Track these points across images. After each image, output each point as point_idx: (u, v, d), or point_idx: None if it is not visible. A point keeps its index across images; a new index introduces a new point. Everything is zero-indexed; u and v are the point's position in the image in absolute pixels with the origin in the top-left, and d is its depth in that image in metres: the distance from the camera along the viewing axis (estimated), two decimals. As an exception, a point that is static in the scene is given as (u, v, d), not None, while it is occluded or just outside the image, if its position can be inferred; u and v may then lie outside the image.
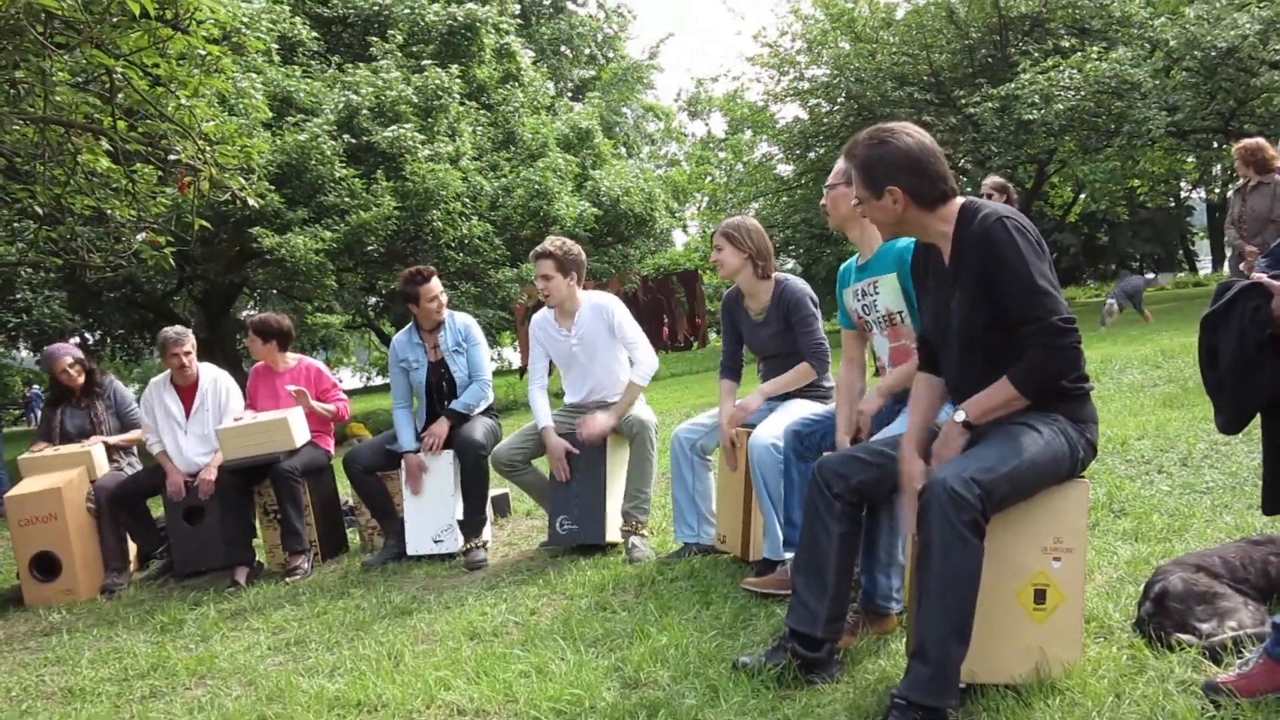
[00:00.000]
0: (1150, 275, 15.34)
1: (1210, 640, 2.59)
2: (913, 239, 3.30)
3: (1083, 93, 16.49)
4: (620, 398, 4.87)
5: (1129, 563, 3.39)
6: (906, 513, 2.72)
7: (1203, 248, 41.18)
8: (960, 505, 2.39)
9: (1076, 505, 2.63)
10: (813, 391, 4.20)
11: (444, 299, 5.37)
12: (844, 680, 2.81)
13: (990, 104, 17.18)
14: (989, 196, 6.25)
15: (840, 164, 3.49)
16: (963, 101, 18.26)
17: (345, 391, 6.32)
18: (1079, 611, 2.63)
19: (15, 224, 10.06)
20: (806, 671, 2.78)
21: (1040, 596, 2.61)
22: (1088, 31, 19.09)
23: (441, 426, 5.23)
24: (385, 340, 22.67)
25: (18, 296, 12.75)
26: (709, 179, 32.32)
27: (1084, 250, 36.75)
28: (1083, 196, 24.92)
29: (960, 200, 2.69)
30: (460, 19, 14.68)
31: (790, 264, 29.41)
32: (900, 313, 3.39)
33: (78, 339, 16.24)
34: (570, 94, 27.72)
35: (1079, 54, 17.26)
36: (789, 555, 3.64)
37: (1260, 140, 7.43)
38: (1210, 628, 2.63)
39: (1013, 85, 17.12)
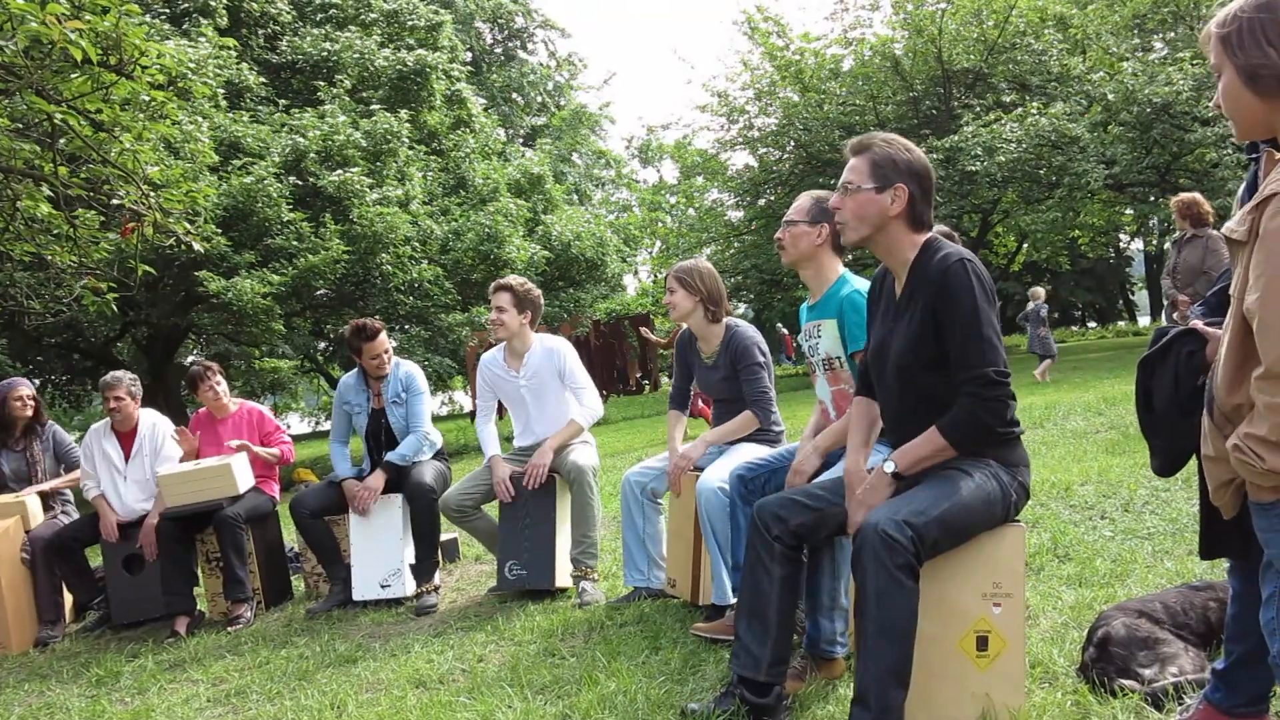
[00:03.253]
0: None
1: (1152, 686, 2.62)
2: (855, 289, 3.35)
3: (1024, 145, 16.94)
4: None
5: (1073, 607, 3.42)
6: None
7: (1142, 298, 42.18)
8: (893, 548, 2.40)
9: (1013, 549, 2.66)
10: (760, 435, 4.22)
11: (388, 356, 5.34)
12: (792, 727, 2.80)
13: (935, 155, 17.57)
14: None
15: (802, 201, 3.53)
16: (908, 152, 18.63)
17: (293, 436, 6.24)
18: (1022, 656, 2.66)
19: (-47, 271, 9.85)
20: (755, 717, 2.76)
21: (983, 643, 2.63)
22: (1028, 87, 19.64)
23: (377, 480, 5.17)
24: (334, 384, 22.40)
25: (-45, 343, 12.47)
26: (660, 224, 32.58)
27: (1028, 299, 37.51)
28: (1025, 246, 25.47)
29: (927, 235, 2.73)
30: (410, 64, 14.77)
31: (742, 309, 29.64)
32: (839, 358, 3.43)
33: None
34: (521, 140, 27.89)
35: (1019, 109, 17.74)
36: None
37: (1196, 195, 7.70)
38: (1152, 673, 2.66)
39: (956, 137, 17.54)
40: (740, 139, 22.53)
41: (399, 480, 5.18)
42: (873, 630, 2.42)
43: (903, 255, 2.73)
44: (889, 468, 2.63)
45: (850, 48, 21.06)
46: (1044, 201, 19.09)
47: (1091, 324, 40.56)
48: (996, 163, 16.80)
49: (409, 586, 5.09)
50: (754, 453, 3.92)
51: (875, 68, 20.41)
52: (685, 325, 4.44)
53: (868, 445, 2.91)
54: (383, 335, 5.28)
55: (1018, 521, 2.71)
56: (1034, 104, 17.60)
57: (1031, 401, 9.25)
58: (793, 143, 21.42)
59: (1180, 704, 2.52)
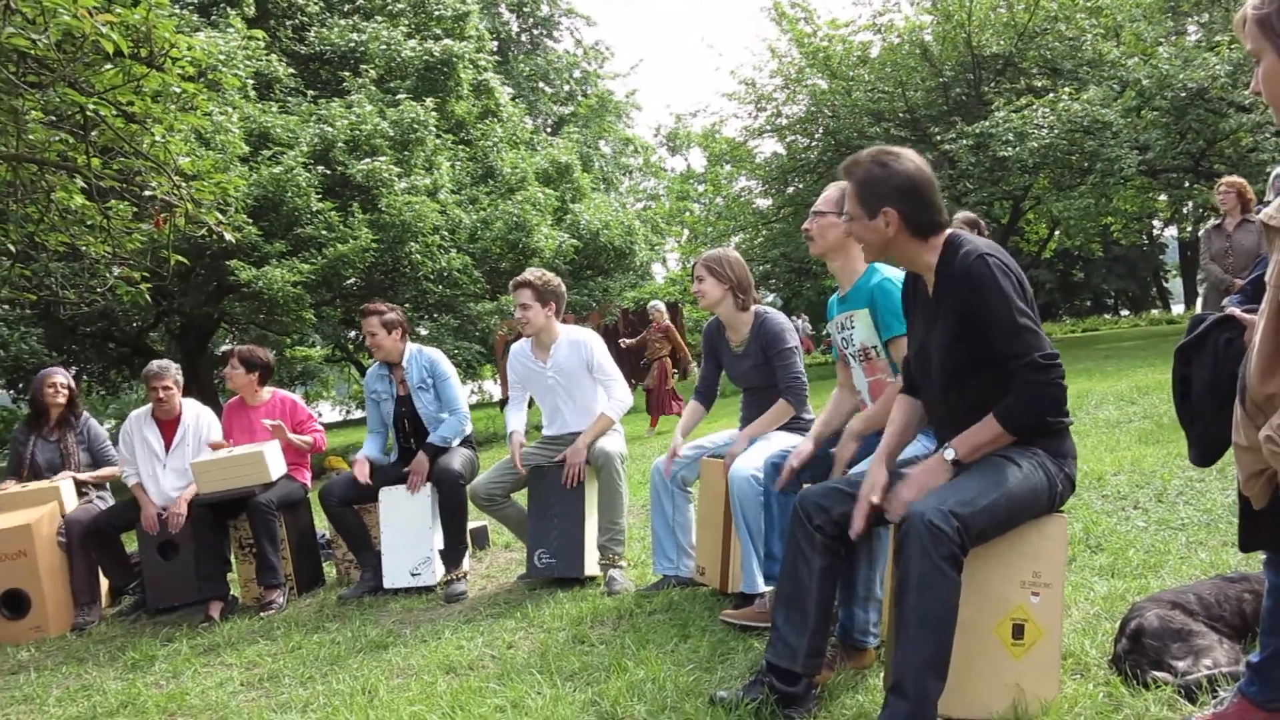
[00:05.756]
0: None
1: (1185, 679, 2.59)
2: (885, 276, 3.34)
3: (1056, 131, 16.71)
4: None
5: (1105, 599, 3.40)
6: (855, 517, 2.71)
7: (1175, 285, 41.66)
8: (939, 539, 2.39)
9: (1055, 540, 2.64)
10: (793, 424, 4.21)
11: (381, 339, 5.33)
12: (821, 716, 2.80)
13: (965, 141, 17.38)
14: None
15: (830, 191, 3.52)
16: (938, 138, 18.47)
17: (324, 424, 6.30)
18: (1056, 647, 2.64)
19: (-11, 262, 9.98)
20: (784, 707, 2.76)
21: (1018, 632, 2.61)
22: (1059, 72, 19.39)
23: (422, 463, 5.20)
24: (364, 373, 22.59)
25: (-8, 333, 12.64)
26: (688, 213, 32.48)
27: (1059, 286, 37.16)
28: (1057, 233, 25.20)
29: (947, 232, 2.71)
30: (437, 54, 14.78)
31: (770, 297, 29.53)
32: (875, 347, 3.41)
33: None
34: (549, 129, 27.88)
35: (1051, 94, 17.52)
36: (767, 588, 3.63)
37: (1242, 179, 7.61)
38: (1185, 666, 2.64)
39: (987, 123, 17.34)
40: (768, 126, 22.36)
41: (439, 454, 5.22)
42: (913, 620, 2.41)
43: (923, 261, 2.73)
44: (949, 455, 2.61)
45: (879, 34, 20.86)
46: (1076, 188, 18.85)
47: (1124, 312, 40.08)
48: (1028, 149, 16.59)
49: (439, 574, 5.12)
50: (788, 441, 3.92)
51: (904, 54, 20.17)
52: (714, 314, 4.43)
53: (902, 440, 2.90)
54: (374, 318, 5.31)
55: (1061, 512, 2.69)
56: (1066, 89, 17.37)
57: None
58: (821, 130, 21.25)
59: (1214, 697, 2.50)
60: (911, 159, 2.71)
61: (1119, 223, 24.01)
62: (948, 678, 2.44)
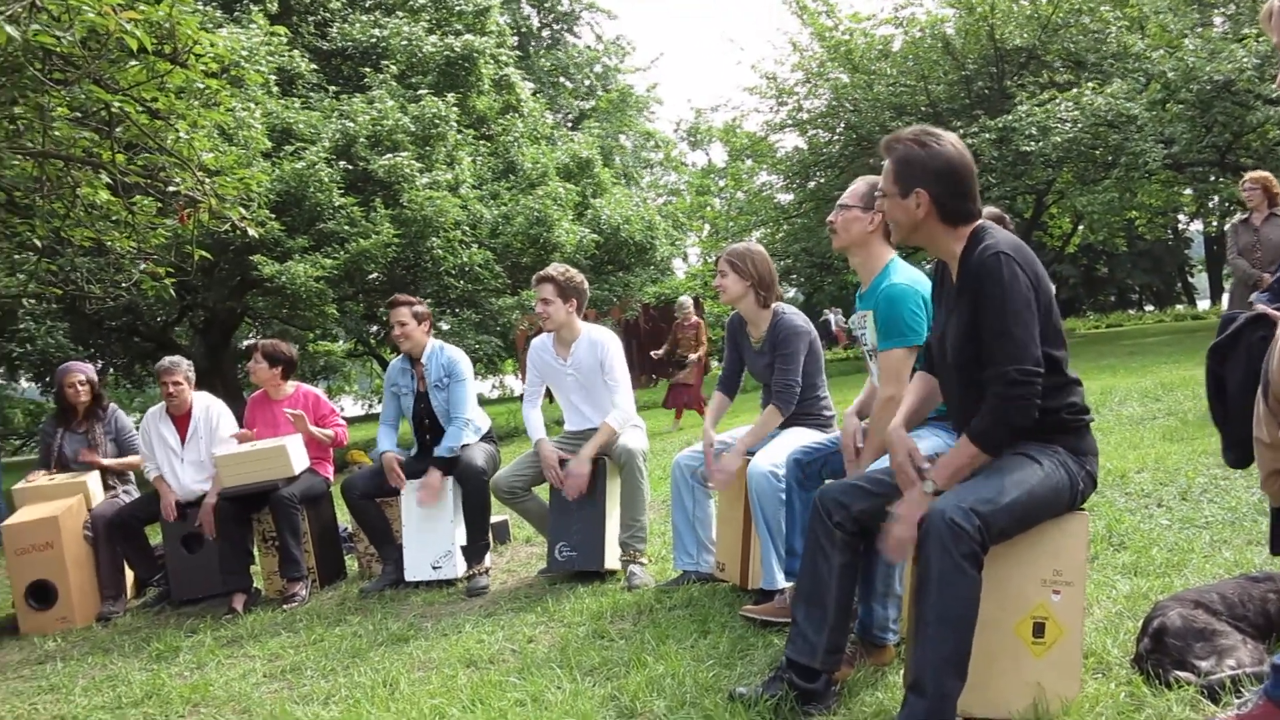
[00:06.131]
0: None
1: (1209, 679, 2.57)
2: (894, 282, 3.32)
3: (1079, 125, 16.58)
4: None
5: (1128, 597, 3.38)
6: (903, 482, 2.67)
7: (1201, 280, 41.26)
8: (959, 536, 2.38)
9: (1076, 538, 2.63)
10: (811, 420, 4.20)
11: (410, 330, 5.36)
12: (840, 712, 2.80)
13: (988, 135, 17.27)
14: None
15: (856, 185, 3.49)
16: (961, 132, 18.36)
17: (346, 419, 6.34)
18: (1078, 646, 2.63)
19: (15, 256, 10.09)
20: (803, 703, 2.76)
21: (1039, 630, 2.60)
22: (1083, 65, 19.23)
23: (434, 479, 5.21)
24: (385, 367, 22.69)
25: (20, 327, 12.77)
26: (709, 208, 32.42)
27: (1083, 282, 36.86)
28: (1081, 228, 25.01)
29: (972, 226, 2.69)
30: (458, 50, 14.81)
31: (791, 292, 29.43)
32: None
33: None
34: (569, 124, 27.88)
35: (1074, 88, 17.37)
36: (787, 584, 3.63)
37: (1268, 173, 7.54)
38: (1209, 666, 2.61)
39: (1010, 117, 17.22)
40: (790, 121, 22.29)
41: (449, 464, 5.23)
42: (933, 618, 2.41)
43: (948, 250, 2.70)
44: (928, 488, 2.58)
45: (900, 27, 20.74)
46: (1100, 182, 18.70)
47: (1149, 307, 39.74)
48: (1051, 143, 16.47)
49: (460, 567, 5.15)
50: (808, 437, 3.91)
51: (926, 47, 20.07)
52: (735, 309, 4.43)
53: (916, 415, 2.89)
54: (403, 308, 5.35)
55: (1083, 510, 2.67)
56: (1090, 83, 17.22)
57: (1086, 387, 9.09)
58: (842, 124, 21.15)
59: (1238, 697, 2.48)
60: (953, 143, 2.66)
61: (1144, 217, 23.79)
62: (967, 676, 2.43)
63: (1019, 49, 19.42)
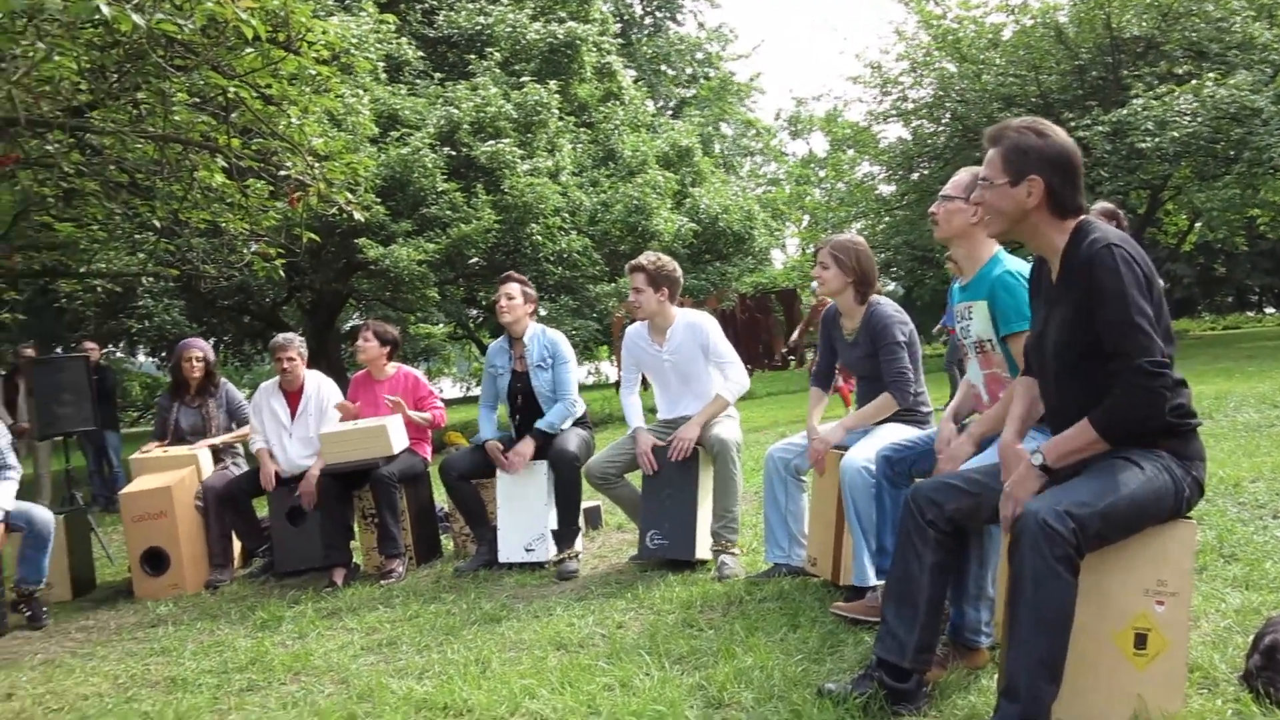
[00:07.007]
0: None
1: (1322, 698, 2.47)
2: (1008, 269, 3.24)
3: (1200, 119, 15.91)
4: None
5: (1238, 611, 3.25)
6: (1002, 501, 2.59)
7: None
8: (1053, 539, 2.33)
9: (1182, 547, 2.54)
10: (907, 415, 4.13)
11: (515, 305, 5.43)
12: (931, 714, 2.76)
13: (1101, 128, 16.69)
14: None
15: (960, 176, 3.42)
16: (1072, 124, 17.78)
17: (445, 400, 6.46)
18: (1183, 659, 2.54)
19: (136, 236, 10.56)
20: (893, 702, 2.73)
21: (1141, 641, 2.52)
22: (1205, 55, 18.44)
23: (526, 446, 5.27)
24: (484, 351, 23.06)
25: (139, 304, 13.35)
26: (808, 198, 32.09)
27: (1199, 281, 35.40)
28: (1199, 225, 24.05)
29: (1078, 219, 2.61)
30: (561, 37, 14.93)
31: (891, 286, 28.97)
32: (990, 340, 3.32)
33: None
34: (670, 112, 27.86)
35: (1195, 80, 16.67)
36: (878, 582, 3.59)
37: None
38: (1323, 684, 2.51)
39: (1125, 111, 16.61)
40: (893, 111, 21.87)
41: (544, 447, 5.30)
42: (1027, 621, 2.35)
43: (1052, 243, 2.62)
44: (1036, 460, 2.53)
45: (1011, 15, 20.18)
46: (1221, 178, 17.95)
47: (1269, 309, 38.03)
48: (1169, 138, 15.84)
49: (552, 551, 5.21)
50: (901, 434, 3.85)
51: (1038, 36, 19.47)
52: (831, 301, 4.38)
53: (1025, 421, 2.82)
54: (515, 284, 5.46)
55: (1189, 518, 2.58)
56: (1211, 74, 16.51)
57: (1200, 391, 8.76)
58: (948, 115, 20.67)
59: (1355, 719, 2.37)
60: (1064, 134, 2.61)
61: (1266, 215, 22.76)
62: (1062, 682, 2.37)
63: (1137, 38, 18.69)
